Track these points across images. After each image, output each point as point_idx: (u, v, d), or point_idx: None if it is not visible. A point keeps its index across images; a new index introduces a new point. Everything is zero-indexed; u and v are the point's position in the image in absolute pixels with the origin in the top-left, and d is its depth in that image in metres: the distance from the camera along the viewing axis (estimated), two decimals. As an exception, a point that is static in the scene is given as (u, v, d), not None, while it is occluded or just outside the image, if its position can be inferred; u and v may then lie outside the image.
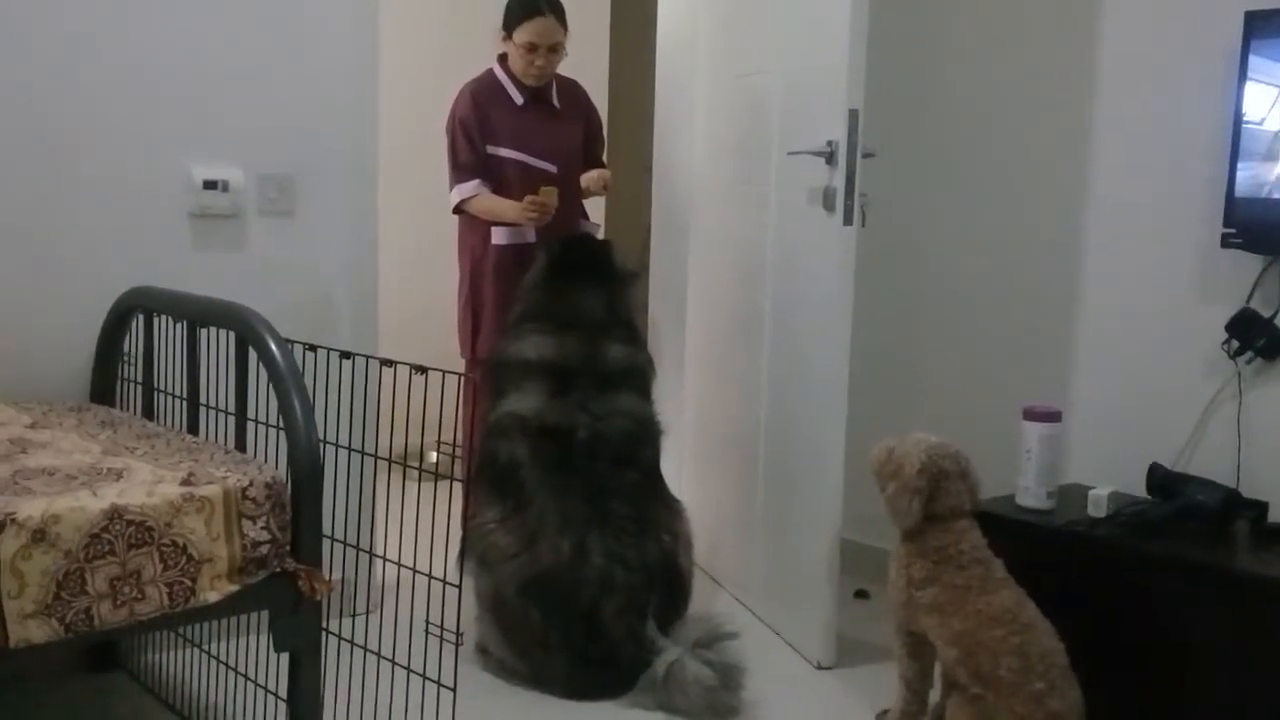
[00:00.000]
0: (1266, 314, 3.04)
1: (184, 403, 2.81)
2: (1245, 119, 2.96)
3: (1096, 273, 3.43)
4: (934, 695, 2.87)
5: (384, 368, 2.54)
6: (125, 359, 3.02)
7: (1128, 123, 3.35)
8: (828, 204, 3.16)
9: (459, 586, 2.51)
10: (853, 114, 3.09)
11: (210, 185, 3.18)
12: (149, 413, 2.92)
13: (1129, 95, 3.35)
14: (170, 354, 2.86)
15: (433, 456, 3.87)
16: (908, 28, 3.82)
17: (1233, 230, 3.00)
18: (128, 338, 3.00)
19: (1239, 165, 2.97)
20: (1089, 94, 3.42)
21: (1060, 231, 3.50)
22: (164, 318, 2.87)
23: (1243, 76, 2.96)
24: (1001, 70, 3.65)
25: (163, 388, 2.91)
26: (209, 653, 2.92)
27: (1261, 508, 2.94)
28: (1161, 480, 3.04)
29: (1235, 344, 3.08)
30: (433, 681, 2.49)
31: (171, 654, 3.06)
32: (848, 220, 3.12)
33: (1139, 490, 3.08)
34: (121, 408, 3.01)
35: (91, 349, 3.01)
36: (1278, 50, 2.90)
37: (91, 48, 3.01)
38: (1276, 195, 2.91)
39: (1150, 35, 3.29)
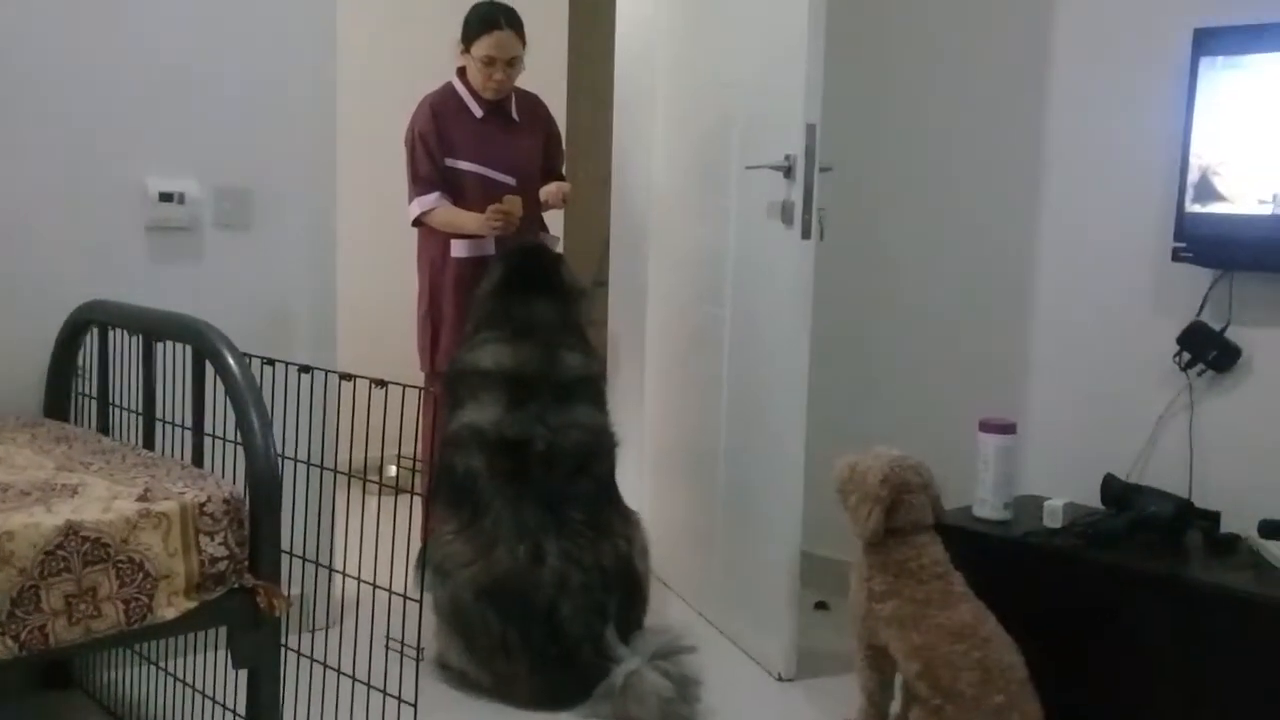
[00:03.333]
0: (1217, 326, 3.09)
1: (140, 418, 2.78)
2: (1195, 133, 3.01)
3: (1050, 286, 3.47)
4: (894, 707, 2.89)
5: (343, 382, 2.53)
6: (80, 373, 2.99)
7: (1080, 138, 3.40)
8: (786, 218, 3.18)
9: (420, 601, 2.50)
10: (810, 128, 3.11)
11: (166, 198, 3.16)
12: (104, 428, 2.89)
13: (1081, 111, 3.39)
14: (126, 368, 2.83)
15: (391, 470, 3.86)
16: (865, 44, 3.85)
17: (1183, 244, 3.05)
18: (82, 352, 2.97)
19: (1189, 180, 3.02)
20: (1042, 110, 3.47)
21: (1015, 246, 3.54)
22: (119, 331, 2.85)
23: (1192, 92, 3.01)
24: (956, 86, 3.69)
25: (118, 402, 2.89)
26: (166, 670, 2.89)
27: (1213, 518, 2.98)
28: (1116, 491, 3.07)
29: (1187, 356, 3.13)
30: (393, 697, 2.48)
31: (128, 671, 3.03)
32: (806, 234, 3.14)
33: (1094, 501, 3.12)
34: (76, 423, 2.97)
35: (45, 363, 2.97)
36: (1227, 66, 2.95)
37: (45, 56, 2.98)
38: (1225, 210, 2.96)
39: (1102, 52, 3.34)
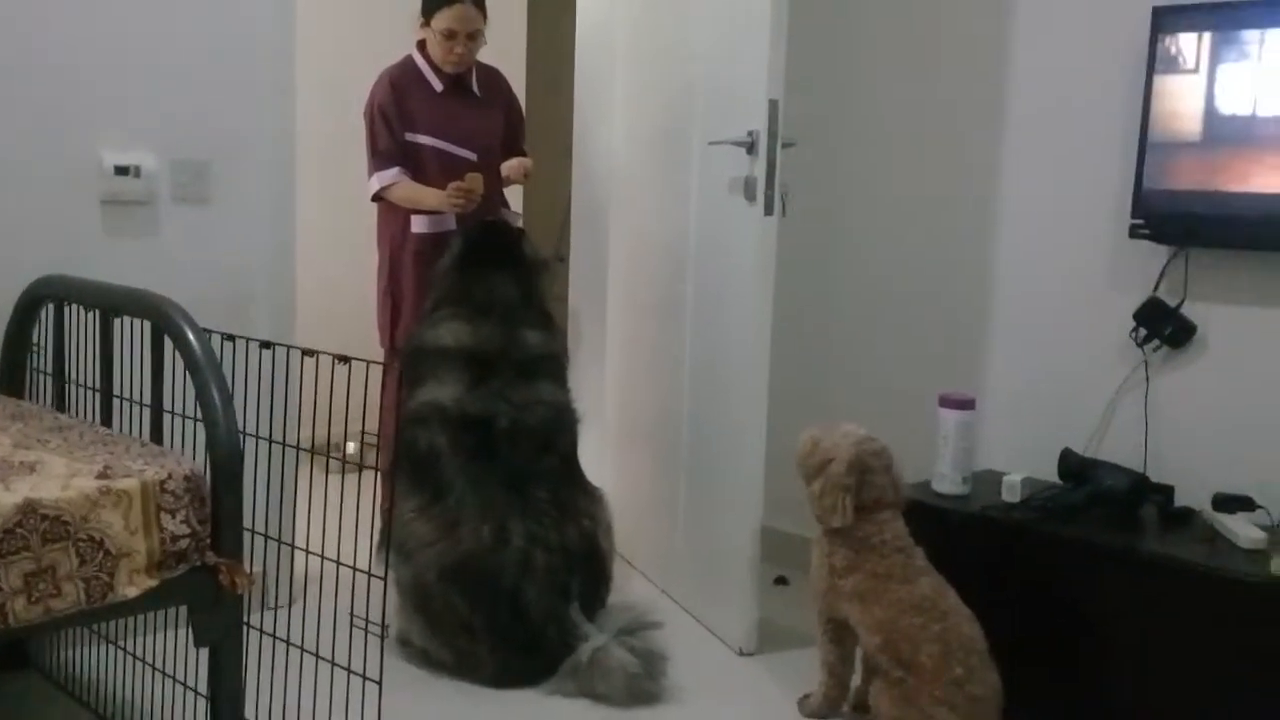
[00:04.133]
0: (1173, 303, 3.12)
1: (97, 394, 2.75)
2: (1153, 112, 3.04)
3: (1009, 262, 3.50)
4: (855, 679, 2.91)
5: (305, 358, 2.51)
6: (34, 350, 2.94)
7: (1040, 115, 3.42)
8: (749, 194, 3.17)
9: (384, 578, 2.49)
10: (773, 104, 3.10)
11: (122, 171, 3.11)
12: (60, 405, 2.85)
13: (1042, 88, 3.41)
14: (82, 344, 2.79)
15: (349, 447, 3.85)
16: (828, 19, 3.86)
17: (1141, 221, 3.08)
18: (37, 328, 2.92)
19: (1147, 157, 3.05)
20: (1002, 88, 3.49)
21: (974, 221, 3.56)
22: (75, 307, 2.80)
23: (1151, 70, 3.04)
24: (917, 63, 3.70)
25: (74, 379, 2.85)
26: (125, 649, 2.87)
27: (1168, 492, 3.03)
28: (1073, 466, 3.11)
29: (1143, 332, 3.17)
30: (357, 675, 2.47)
31: (86, 651, 3.00)
32: (768, 210, 3.14)
33: (1051, 475, 3.15)
34: (31, 400, 2.93)
35: (-2, 339, 2.93)
36: (1184, 45, 2.98)
37: (-4, 28, 2.93)
38: (1182, 187, 2.99)
39: (1062, 29, 3.36)
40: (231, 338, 2.61)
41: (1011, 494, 3.05)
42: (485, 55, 3.80)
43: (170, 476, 2.28)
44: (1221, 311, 3.07)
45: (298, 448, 2.74)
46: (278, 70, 3.34)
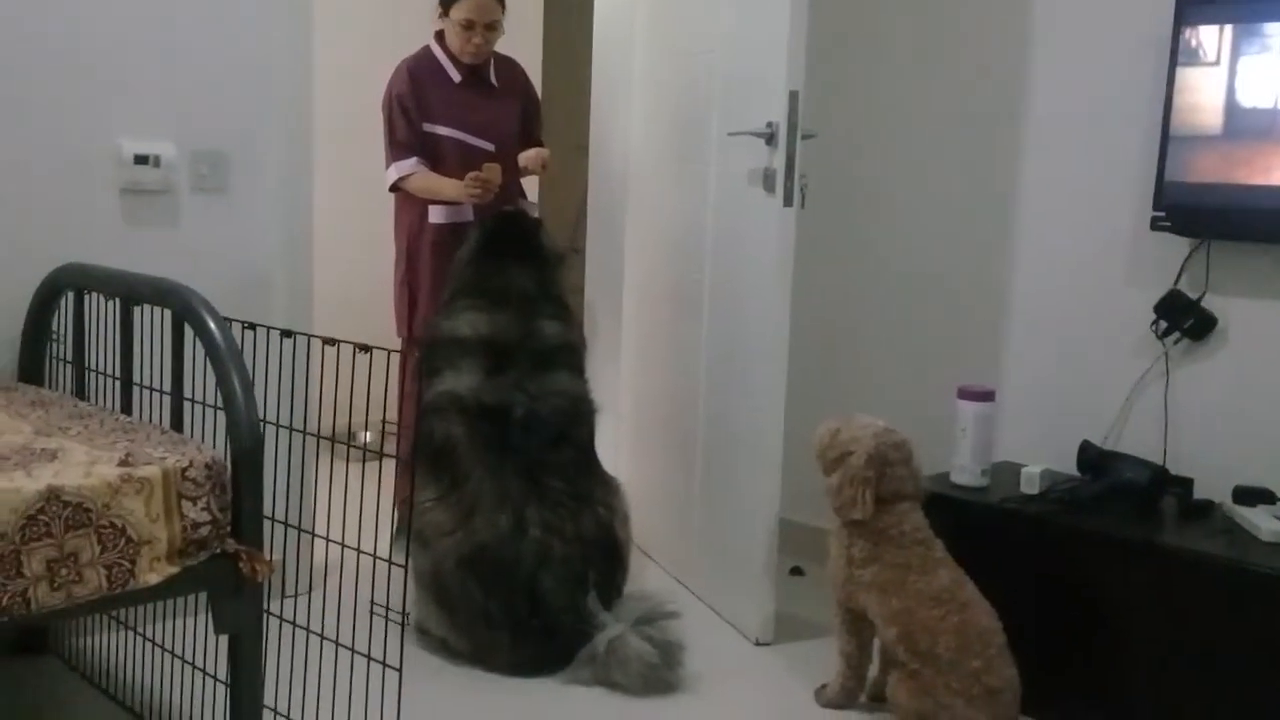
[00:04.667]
0: (1194, 295, 3.11)
1: (117, 382, 2.75)
2: (1175, 104, 3.02)
3: (1029, 254, 3.49)
4: (872, 670, 2.91)
5: (326, 347, 2.51)
6: (54, 337, 2.95)
7: (1061, 107, 3.40)
8: (768, 185, 3.17)
9: (405, 566, 2.49)
10: (793, 95, 3.10)
11: (141, 160, 3.12)
12: (80, 392, 2.86)
13: (1063, 80, 3.40)
14: (102, 332, 2.80)
15: (363, 436, 3.86)
16: (847, 9, 3.84)
17: (1162, 214, 3.07)
18: (57, 316, 2.93)
19: (1169, 149, 3.03)
20: (1023, 78, 3.47)
21: (994, 213, 3.55)
22: (95, 295, 2.81)
23: (1174, 60, 3.02)
24: (938, 54, 3.68)
25: (94, 367, 2.85)
26: (145, 636, 2.88)
27: (1187, 484, 3.02)
28: (1092, 458, 3.10)
29: (1163, 325, 3.16)
30: (378, 662, 2.47)
31: (105, 637, 3.01)
32: (788, 201, 3.14)
33: (1070, 467, 3.14)
34: (51, 388, 2.94)
35: (18, 328, 2.93)
36: (1208, 35, 2.96)
37: (16, 15, 2.93)
38: (1205, 179, 2.98)
39: (1083, 19, 3.34)
40: (252, 326, 2.61)
41: (1030, 486, 3.05)
42: (502, 47, 3.80)
43: (191, 464, 2.28)
44: (1242, 304, 3.06)
45: (318, 435, 2.75)
46: (296, 60, 3.33)
